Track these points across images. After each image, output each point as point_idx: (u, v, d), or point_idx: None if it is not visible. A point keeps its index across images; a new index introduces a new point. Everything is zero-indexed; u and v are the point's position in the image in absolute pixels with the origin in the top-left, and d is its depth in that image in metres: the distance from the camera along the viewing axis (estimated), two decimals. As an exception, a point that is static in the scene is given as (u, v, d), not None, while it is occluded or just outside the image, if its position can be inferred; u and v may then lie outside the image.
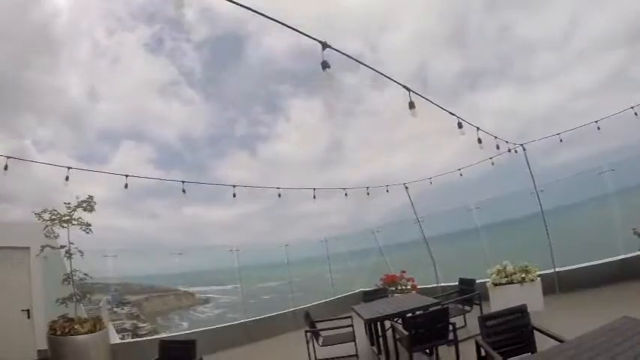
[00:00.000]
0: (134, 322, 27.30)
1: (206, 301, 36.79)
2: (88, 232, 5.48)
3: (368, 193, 8.36)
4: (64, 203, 5.44)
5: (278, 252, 10.09)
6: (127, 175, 5.36)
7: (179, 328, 31.22)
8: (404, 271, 9.31)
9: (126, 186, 5.38)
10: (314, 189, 7.42)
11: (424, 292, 8.50)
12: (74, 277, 5.35)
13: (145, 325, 28.10)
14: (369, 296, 7.22)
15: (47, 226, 5.29)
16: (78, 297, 5.39)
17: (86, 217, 5.52)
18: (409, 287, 9.13)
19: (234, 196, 6.58)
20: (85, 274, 5.60)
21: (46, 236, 5.31)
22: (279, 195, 6.99)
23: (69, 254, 5.36)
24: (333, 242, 10.70)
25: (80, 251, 5.47)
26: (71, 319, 5.13)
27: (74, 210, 5.47)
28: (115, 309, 28.04)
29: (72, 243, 5.38)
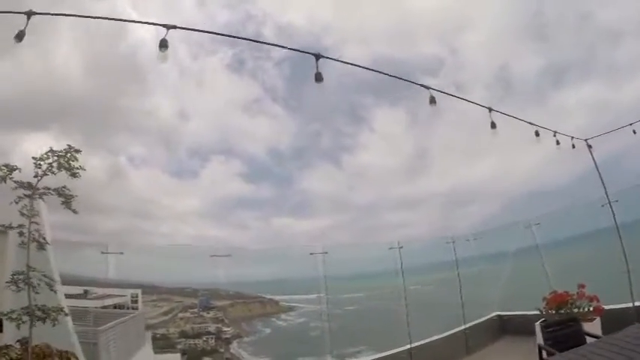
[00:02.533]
0: (218, 325, 27.01)
1: (290, 309, 36.16)
2: (69, 207, 3.33)
3: (537, 134, 5.19)
4: (33, 160, 3.26)
5: (374, 259, 7.60)
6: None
7: (261, 334, 30.42)
8: (583, 285, 5.82)
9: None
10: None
11: (613, 316, 5.08)
12: (30, 279, 3.11)
13: (228, 329, 27.71)
14: (551, 332, 4.02)
15: (20, 197, 3.23)
16: (41, 313, 3.09)
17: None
18: (591, 310, 5.65)
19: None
20: (46, 276, 3.28)
21: (22, 214, 3.25)
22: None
23: (38, 243, 3.22)
24: (461, 244, 7.47)
25: (44, 238, 3.35)
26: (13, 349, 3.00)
27: (47, 170, 3.27)
28: (201, 313, 28.23)
29: (36, 223, 3.24)
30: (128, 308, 15.00)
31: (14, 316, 2.97)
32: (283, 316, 32.95)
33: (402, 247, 6.54)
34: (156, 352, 15.34)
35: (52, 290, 3.22)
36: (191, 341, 23.31)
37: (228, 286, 31.77)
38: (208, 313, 28.84)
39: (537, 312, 6.00)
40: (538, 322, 5.15)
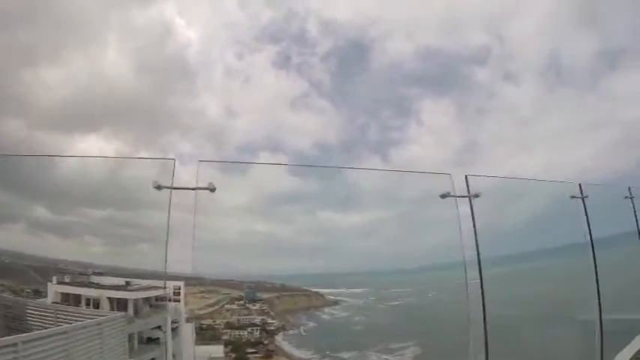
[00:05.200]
0: (264, 317, 27.54)
1: (335, 302, 36.13)
2: None
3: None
4: None
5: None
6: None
7: (306, 327, 30.60)
8: None
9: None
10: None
11: None
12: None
13: (274, 321, 28.21)
14: None
15: None
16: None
17: None
18: None
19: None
20: None
21: None
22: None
23: None
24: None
25: None
26: None
27: None
28: (247, 305, 28.98)
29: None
30: (170, 300, 15.33)
31: None
32: (328, 309, 32.93)
33: (587, 197, 3.80)
34: (198, 343, 15.72)
35: None
36: (236, 332, 24.06)
37: (274, 280, 32.37)
38: (254, 305, 29.60)
39: None
40: None
